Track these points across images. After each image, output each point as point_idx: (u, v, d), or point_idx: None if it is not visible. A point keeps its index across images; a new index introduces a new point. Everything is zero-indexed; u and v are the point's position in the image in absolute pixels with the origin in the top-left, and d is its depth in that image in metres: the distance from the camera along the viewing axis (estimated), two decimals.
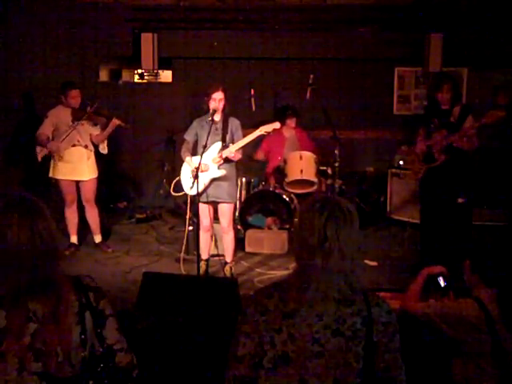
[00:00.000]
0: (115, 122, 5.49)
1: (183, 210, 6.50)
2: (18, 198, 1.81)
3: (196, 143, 5.01)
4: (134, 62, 7.37)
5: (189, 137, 5.03)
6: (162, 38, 7.21)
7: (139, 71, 7.91)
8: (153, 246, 6.13)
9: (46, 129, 5.48)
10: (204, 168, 4.81)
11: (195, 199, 4.91)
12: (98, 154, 5.76)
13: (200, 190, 4.79)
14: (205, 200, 4.93)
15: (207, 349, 3.13)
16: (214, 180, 4.92)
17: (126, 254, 5.83)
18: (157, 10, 7.29)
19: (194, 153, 5.02)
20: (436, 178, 5.04)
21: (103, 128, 5.59)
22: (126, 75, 8.49)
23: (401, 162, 6.81)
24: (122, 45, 7.37)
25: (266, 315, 1.79)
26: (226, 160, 4.90)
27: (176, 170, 6.99)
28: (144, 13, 7.29)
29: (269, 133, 4.99)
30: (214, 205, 5.09)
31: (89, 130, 5.60)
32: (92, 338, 1.79)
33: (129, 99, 7.48)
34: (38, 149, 5.54)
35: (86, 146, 5.59)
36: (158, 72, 7.80)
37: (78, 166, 5.56)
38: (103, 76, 8.07)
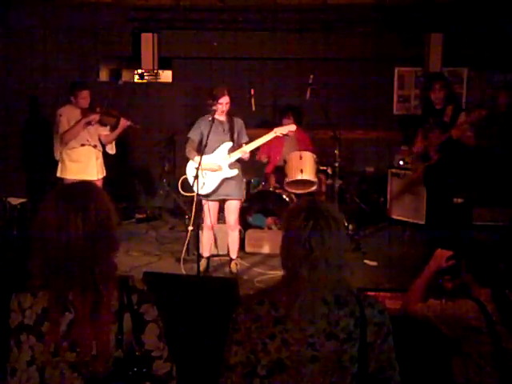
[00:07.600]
0: (125, 122, 5.50)
1: (183, 209, 6.51)
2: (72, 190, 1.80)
3: (201, 142, 5.03)
4: (134, 61, 7.37)
5: (194, 136, 5.04)
6: (162, 38, 7.20)
7: (139, 71, 7.91)
8: (153, 246, 6.13)
9: (65, 127, 5.42)
10: (217, 168, 4.90)
11: (200, 199, 4.92)
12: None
13: (211, 189, 4.89)
14: (215, 198, 4.99)
15: (207, 349, 3.13)
16: (225, 179, 4.99)
17: (125, 254, 5.83)
18: (157, 10, 7.30)
19: (198, 152, 5.05)
20: (433, 177, 5.17)
21: (113, 128, 5.58)
22: (126, 75, 8.49)
23: (401, 162, 6.81)
24: (122, 45, 7.37)
25: (258, 322, 1.76)
26: (237, 159, 4.98)
27: (176, 170, 7.00)
28: (144, 13, 7.30)
29: (284, 135, 5.03)
30: (220, 203, 5.15)
31: (98, 130, 5.58)
32: (131, 340, 1.76)
33: (129, 99, 7.48)
34: (56, 148, 5.54)
35: (94, 146, 5.57)
36: (158, 72, 7.80)
37: (87, 165, 5.55)
38: (103, 76, 8.07)
